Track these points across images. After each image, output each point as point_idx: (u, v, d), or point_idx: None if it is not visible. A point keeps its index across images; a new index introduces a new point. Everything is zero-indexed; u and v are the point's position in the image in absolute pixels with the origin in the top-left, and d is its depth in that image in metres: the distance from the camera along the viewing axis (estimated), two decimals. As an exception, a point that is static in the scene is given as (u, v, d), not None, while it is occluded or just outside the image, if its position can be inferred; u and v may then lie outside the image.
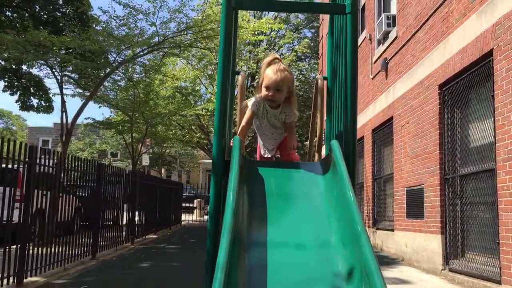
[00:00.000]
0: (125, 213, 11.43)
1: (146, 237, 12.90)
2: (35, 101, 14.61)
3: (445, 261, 7.44)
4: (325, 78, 3.50)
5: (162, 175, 34.05)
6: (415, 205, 8.69)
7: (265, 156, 3.17)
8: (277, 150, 3.21)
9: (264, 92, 2.89)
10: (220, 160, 2.75)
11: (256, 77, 21.65)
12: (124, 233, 11.01)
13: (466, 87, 7.11)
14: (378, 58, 11.54)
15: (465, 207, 7.15)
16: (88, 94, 12.81)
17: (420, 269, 8.19)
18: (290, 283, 1.95)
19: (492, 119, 6.17)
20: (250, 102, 3.00)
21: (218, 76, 2.78)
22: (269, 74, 2.89)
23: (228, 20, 2.71)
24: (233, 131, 3.38)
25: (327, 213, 2.33)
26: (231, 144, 2.76)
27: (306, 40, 26.13)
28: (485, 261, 6.36)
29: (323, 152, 3.32)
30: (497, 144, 5.96)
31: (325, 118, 3.43)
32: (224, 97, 2.78)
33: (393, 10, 11.02)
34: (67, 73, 12.52)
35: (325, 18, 19.01)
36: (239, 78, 3.43)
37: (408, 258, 8.93)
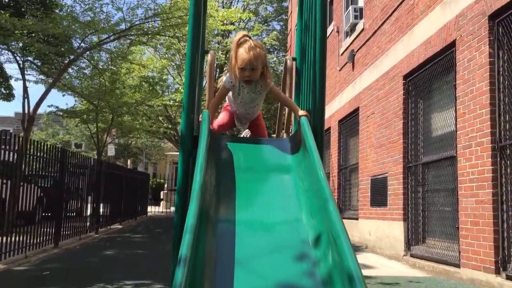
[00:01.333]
0: (89, 204, 11.22)
1: (111, 227, 12.72)
2: (-6, 89, 14.13)
3: (407, 247, 7.64)
4: (294, 59, 3.53)
5: (128, 167, 33.56)
6: (379, 193, 8.88)
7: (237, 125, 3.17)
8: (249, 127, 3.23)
9: (239, 73, 2.83)
10: (188, 135, 2.73)
11: (225, 68, 21.55)
12: (88, 223, 10.82)
13: (429, 78, 7.29)
14: (345, 50, 11.69)
15: (426, 194, 7.36)
16: (52, 81, 12.48)
17: (383, 255, 8.39)
18: (257, 251, 1.97)
19: (454, 108, 6.37)
20: (224, 78, 2.98)
21: (188, 51, 2.76)
22: (242, 54, 2.80)
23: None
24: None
25: (295, 185, 2.36)
26: (199, 120, 2.74)
27: (275, 32, 26.19)
28: (445, 246, 6.58)
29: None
30: (458, 132, 6.15)
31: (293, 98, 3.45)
32: (193, 72, 2.76)
33: (361, 2, 11.17)
34: (29, 58, 12.15)
35: (293, 11, 19.10)
36: (209, 56, 3.41)
37: (371, 245, 9.13)
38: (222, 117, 3.18)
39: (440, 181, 6.91)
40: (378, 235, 8.85)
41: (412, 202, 7.69)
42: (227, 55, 21.57)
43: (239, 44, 2.85)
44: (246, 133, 3.58)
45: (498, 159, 5.35)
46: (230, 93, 3.04)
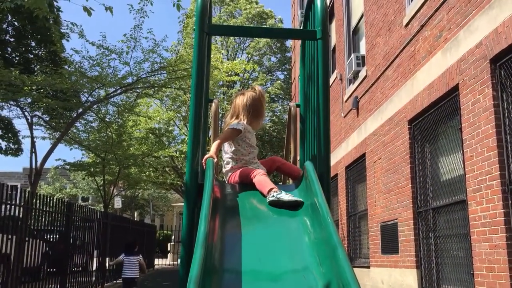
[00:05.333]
0: (95, 258, 11.05)
1: (117, 281, 12.45)
2: (3, 144, 14.32)
3: (421, 296, 7.38)
4: (297, 106, 3.55)
5: (135, 219, 33.31)
6: (389, 240, 8.68)
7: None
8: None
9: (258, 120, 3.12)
10: (193, 184, 2.71)
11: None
12: (93, 277, 10.62)
13: (434, 122, 7.29)
14: (349, 97, 11.79)
15: (438, 240, 7.18)
16: (59, 135, 12.62)
17: (397, 305, 8.10)
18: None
19: (461, 151, 6.32)
20: (235, 123, 2.99)
21: (192, 100, 2.78)
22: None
23: (201, 45, 2.74)
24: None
25: (303, 232, 2.30)
26: (203, 164, 2.70)
27: (279, 82, 26.62)
28: (461, 293, 6.35)
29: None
30: (467, 176, 6.07)
31: (298, 144, 3.44)
32: (197, 122, 2.77)
33: (362, 50, 11.38)
34: (37, 113, 12.36)
35: (296, 60, 19.49)
36: (213, 105, 3.44)
37: (385, 295, 8.84)
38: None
39: (452, 226, 6.76)
40: (391, 283, 8.59)
41: (424, 249, 7.49)
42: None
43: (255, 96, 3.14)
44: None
45: (510, 201, 5.24)
46: (227, 157, 3.03)
